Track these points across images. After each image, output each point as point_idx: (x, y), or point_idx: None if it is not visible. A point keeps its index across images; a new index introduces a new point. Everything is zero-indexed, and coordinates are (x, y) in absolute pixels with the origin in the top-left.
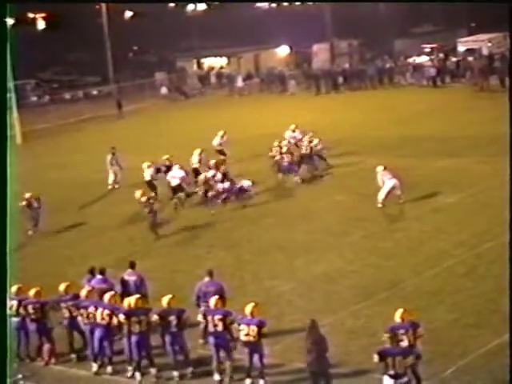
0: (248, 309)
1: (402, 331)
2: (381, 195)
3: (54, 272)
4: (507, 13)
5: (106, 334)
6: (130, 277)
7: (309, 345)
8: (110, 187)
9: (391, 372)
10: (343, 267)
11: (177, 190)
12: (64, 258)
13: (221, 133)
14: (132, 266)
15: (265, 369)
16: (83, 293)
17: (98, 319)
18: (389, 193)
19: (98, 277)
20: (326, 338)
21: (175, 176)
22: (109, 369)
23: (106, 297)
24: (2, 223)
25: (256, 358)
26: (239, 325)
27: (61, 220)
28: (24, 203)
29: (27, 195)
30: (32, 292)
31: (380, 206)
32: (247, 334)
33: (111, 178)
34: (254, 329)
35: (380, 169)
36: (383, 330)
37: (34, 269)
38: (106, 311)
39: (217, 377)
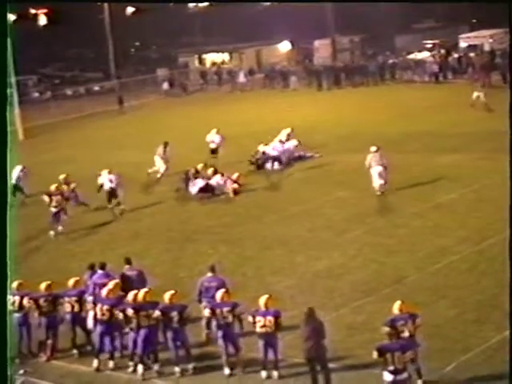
0: (262, 300)
1: (401, 322)
2: (375, 184)
3: (56, 268)
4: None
5: (107, 330)
6: (130, 272)
7: (307, 332)
8: (158, 175)
9: (391, 368)
10: (345, 263)
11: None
12: (66, 253)
13: (288, 131)
14: (128, 262)
15: (280, 361)
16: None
17: (98, 315)
18: (381, 176)
19: (100, 272)
20: (323, 324)
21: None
22: (110, 364)
23: (104, 292)
24: (2, 219)
25: (271, 349)
26: (254, 317)
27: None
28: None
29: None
30: (43, 285)
31: (378, 193)
32: (264, 326)
33: (162, 168)
34: (270, 319)
35: (373, 149)
36: (382, 324)
37: (36, 265)
38: (106, 306)
39: (227, 371)
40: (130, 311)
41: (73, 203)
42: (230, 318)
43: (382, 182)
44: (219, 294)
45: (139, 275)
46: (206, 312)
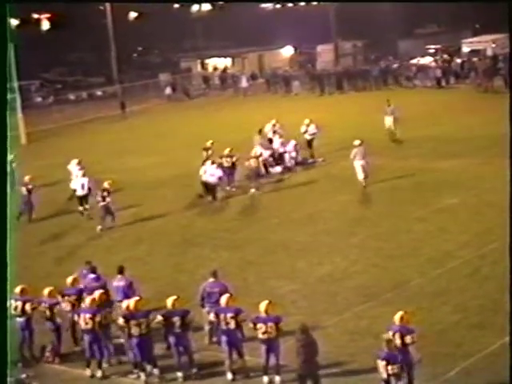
0: (262, 307)
1: (390, 333)
2: (359, 177)
3: (58, 272)
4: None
5: (94, 338)
6: (119, 283)
7: (298, 348)
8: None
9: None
10: (347, 268)
11: None
12: (69, 258)
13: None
14: (120, 271)
15: (282, 367)
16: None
17: (82, 325)
18: (364, 169)
19: (90, 276)
20: (316, 342)
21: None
22: (99, 373)
23: (87, 301)
24: (2, 224)
25: (272, 354)
26: (255, 324)
27: (65, 220)
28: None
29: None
30: (46, 291)
31: (363, 185)
32: (265, 332)
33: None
34: (271, 325)
35: (357, 142)
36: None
37: (38, 269)
38: (88, 315)
39: (229, 376)
40: (120, 320)
41: None
42: (233, 324)
43: (363, 175)
44: (223, 299)
45: (127, 285)
46: (211, 316)
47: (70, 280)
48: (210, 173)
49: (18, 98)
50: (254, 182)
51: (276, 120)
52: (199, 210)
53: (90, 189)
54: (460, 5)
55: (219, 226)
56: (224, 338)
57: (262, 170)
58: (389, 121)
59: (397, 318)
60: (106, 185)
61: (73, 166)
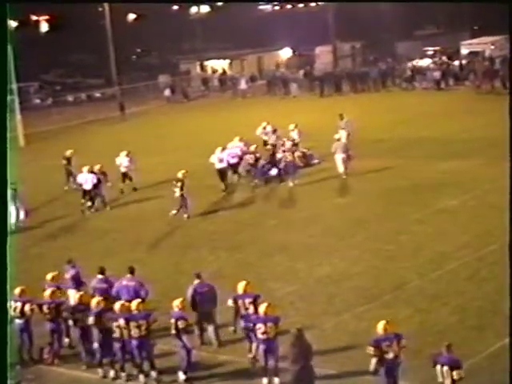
0: (262, 308)
1: (386, 343)
2: (340, 169)
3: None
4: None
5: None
6: (129, 283)
7: (295, 354)
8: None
9: None
10: (346, 269)
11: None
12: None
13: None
14: (131, 271)
15: (279, 370)
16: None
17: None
18: (344, 162)
19: (99, 277)
20: (311, 346)
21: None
22: (100, 371)
23: (76, 296)
24: (2, 225)
25: (271, 356)
26: (254, 325)
27: (64, 222)
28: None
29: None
30: (48, 292)
31: (344, 177)
32: (265, 332)
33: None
34: (271, 326)
35: (337, 136)
36: (367, 344)
37: (36, 270)
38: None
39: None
40: (121, 322)
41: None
42: (252, 310)
43: (343, 167)
44: (241, 286)
45: (138, 286)
46: (229, 302)
47: (49, 277)
48: (219, 158)
49: (17, 99)
50: (290, 176)
51: (267, 122)
52: (198, 210)
53: (94, 185)
54: (458, 6)
55: (218, 228)
56: (242, 323)
57: (299, 162)
58: (342, 134)
59: (382, 328)
60: (180, 175)
61: (122, 158)
